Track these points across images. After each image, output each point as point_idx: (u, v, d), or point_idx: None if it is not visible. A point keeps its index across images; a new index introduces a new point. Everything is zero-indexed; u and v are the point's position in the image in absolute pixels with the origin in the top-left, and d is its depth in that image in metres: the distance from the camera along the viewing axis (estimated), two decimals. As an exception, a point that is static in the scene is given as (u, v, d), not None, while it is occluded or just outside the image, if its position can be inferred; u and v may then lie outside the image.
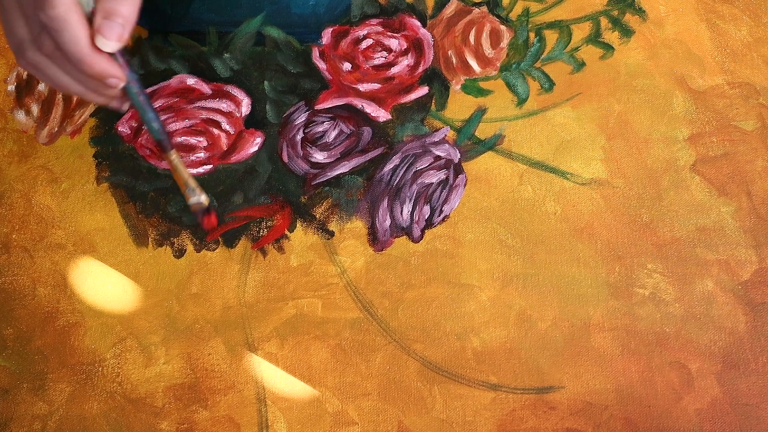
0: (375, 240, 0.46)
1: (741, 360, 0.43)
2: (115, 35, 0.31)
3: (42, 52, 0.32)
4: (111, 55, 0.32)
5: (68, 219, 0.47)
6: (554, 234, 0.46)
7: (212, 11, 0.51)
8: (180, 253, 0.46)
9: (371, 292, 0.45)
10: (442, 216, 0.46)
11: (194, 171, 0.48)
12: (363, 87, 0.50)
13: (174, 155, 0.38)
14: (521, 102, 0.50)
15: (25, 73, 0.51)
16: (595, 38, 0.52)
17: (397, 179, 0.47)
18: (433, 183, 0.47)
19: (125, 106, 0.36)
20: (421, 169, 0.48)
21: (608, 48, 0.51)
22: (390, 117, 0.49)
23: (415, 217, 0.46)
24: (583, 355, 0.43)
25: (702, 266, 0.45)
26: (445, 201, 0.47)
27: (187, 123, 0.49)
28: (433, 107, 0.49)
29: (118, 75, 0.33)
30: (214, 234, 0.46)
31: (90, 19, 0.31)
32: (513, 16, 0.53)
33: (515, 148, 0.48)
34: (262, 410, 0.42)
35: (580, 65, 0.51)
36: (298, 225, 0.46)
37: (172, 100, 0.49)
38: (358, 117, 0.49)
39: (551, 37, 0.52)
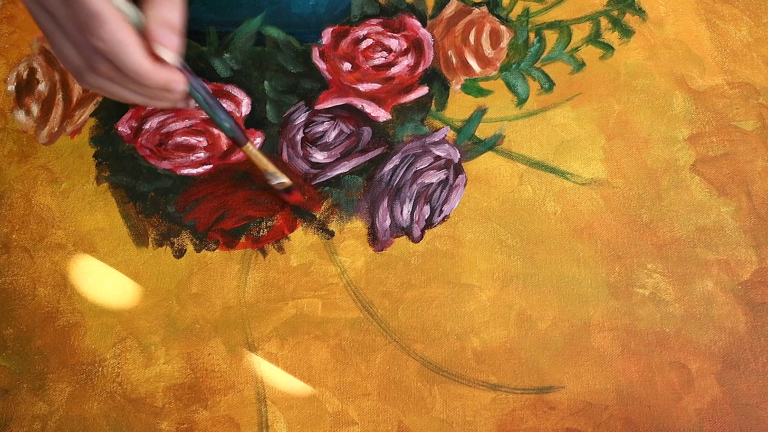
0: (375, 240, 0.46)
1: (741, 360, 0.43)
2: (174, 44, 0.31)
3: (101, 76, 0.32)
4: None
5: (68, 219, 0.47)
6: (554, 234, 0.46)
7: (212, 11, 0.51)
8: (180, 253, 0.46)
9: (371, 292, 0.45)
10: (442, 216, 0.46)
11: (194, 171, 0.48)
12: (363, 87, 0.50)
13: (251, 147, 0.40)
14: (521, 102, 0.50)
15: (25, 73, 0.51)
16: (595, 38, 0.52)
17: (397, 179, 0.47)
18: (433, 183, 0.47)
19: (192, 104, 0.36)
20: (421, 169, 0.48)
21: (608, 48, 0.51)
22: (390, 117, 0.49)
23: (415, 217, 0.46)
24: (583, 355, 0.43)
25: (702, 266, 0.45)
26: (445, 201, 0.47)
27: (187, 123, 0.49)
28: (433, 107, 0.49)
29: (181, 80, 0.33)
30: (302, 204, 0.46)
31: (139, 30, 0.31)
32: (513, 16, 0.53)
33: (515, 148, 0.48)
34: (262, 410, 0.42)
35: (580, 65, 0.51)
36: (298, 225, 0.46)
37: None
38: (358, 117, 0.49)
39: (551, 37, 0.52)
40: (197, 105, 0.36)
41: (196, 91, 0.35)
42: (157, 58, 0.32)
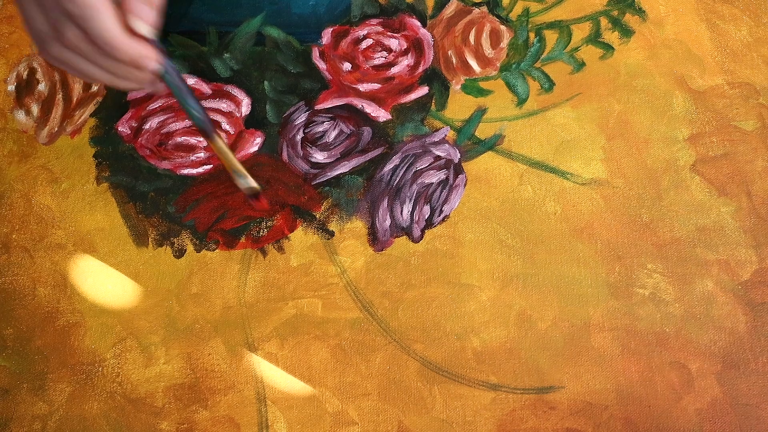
0: (375, 240, 0.46)
1: (741, 360, 0.43)
2: (151, 18, 0.30)
3: (65, 45, 0.30)
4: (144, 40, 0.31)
5: (68, 219, 0.47)
6: (554, 234, 0.46)
7: (212, 11, 0.51)
8: (180, 253, 0.46)
9: (371, 292, 0.45)
10: (442, 216, 0.46)
11: (194, 171, 0.48)
12: (363, 87, 0.50)
13: (219, 141, 0.38)
14: (521, 102, 0.50)
15: (26, 73, 0.51)
16: (595, 38, 0.52)
17: (397, 179, 0.47)
18: (433, 183, 0.47)
19: (160, 87, 0.34)
20: (421, 169, 0.48)
21: (608, 48, 0.51)
22: (390, 117, 0.49)
23: (415, 217, 0.46)
24: (583, 355, 0.43)
25: (702, 266, 0.45)
26: (445, 201, 0.47)
27: (187, 123, 0.49)
28: (433, 107, 0.49)
29: (153, 56, 0.31)
30: (265, 214, 0.45)
31: (116, 3, 0.30)
32: (513, 16, 0.53)
33: (515, 148, 0.48)
34: (262, 410, 0.42)
35: (580, 65, 0.51)
36: (298, 225, 0.46)
37: (172, 99, 0.49)
38: (358, 117, 0.49)
39: (551, 37, 0.52)
40: (166, 88, 0.34)
41: (168, 73, 0.33)
42: (131, 31, 0.30)
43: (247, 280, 0.45)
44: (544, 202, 0.47)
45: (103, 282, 0.45)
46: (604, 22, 0.52)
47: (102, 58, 0.31)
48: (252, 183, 0.40)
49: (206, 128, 0.37)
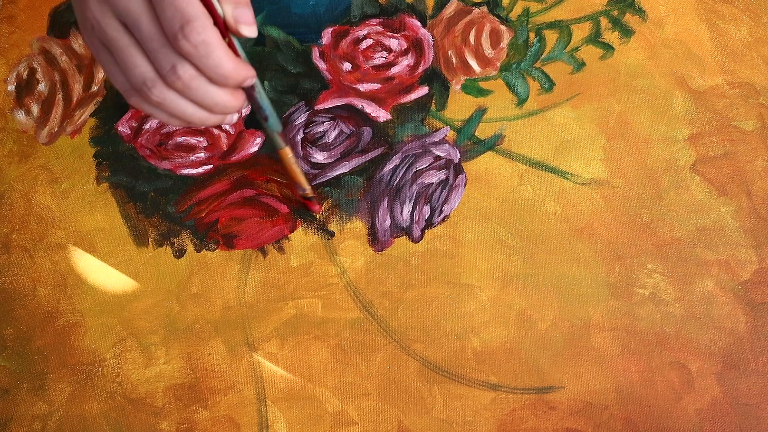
0: (375, 240, 0.46)
1: (741, 360, 0.43)
2: (251, 19, 0.30)
3: (173, 86, 0.30)
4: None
5: (68, 219, 0.47)
6: (554, 234, 0.46)
7: (212, 11, 0.51)
8: (180, 253, 0.46)
9: (371, 292, 0.45)
10: (442, 216, 0.46)
11: (194, 171, 0.48)
12: (363, 87, 0.50)
13: (289, 152, 0.40)
14: (521, 102, 0.50)
15: (26, 73, 0.51)
16: (595, 38, 0.52)
17: (397, 179, 0.47)
18: (433, 183, 0.47)
19: (236, 117, 0.35)
20: (421, 169, 0.48)
21: (608, 48, 0.51)
22: (390, 117, 0.49)
23: (415, 217, 0.46)
24: (583, 355, 0.43)
25: (702, 266, 0.45)
26: (445, 201, 0.47)
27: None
28: (433, 107, 0.49)
29: (253, 72, 0.32)
30: (316, 210, 0.47)
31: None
32: (513, 16, 0.53)
33: (515, 148, 0.48)
34: (262, 410, 0.42)
35: (580, 65, 0.51)
36: (298, 225, 0.46)
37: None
38: (358, 117, 0.49)
39: (551, 37, 0.52)
40: (251, 103, 0.35)
41: (257, 84, 0.35)
42: (234, 50, 0.31)
43: (247, 280, 0.45)
44: (544, 202, 0.47)
45: (103, 282, 0.45)
46: (604, 22, 0.52)
47: (209, 92, 0.31)
48: (309, 192, 0.44)
49: (282, 139, 0.39)
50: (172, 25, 0.28)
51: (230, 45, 0.31)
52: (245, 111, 0.49)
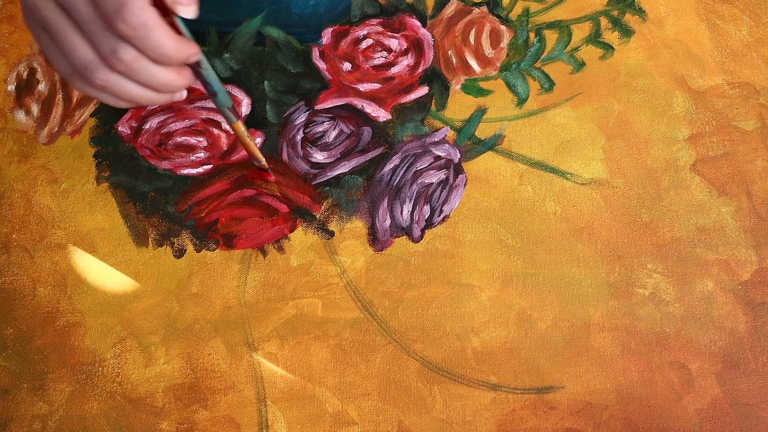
0: (375, 240, 0.46)
1: (741, 360, 0.43)
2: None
3: (116, 69, 0.30)
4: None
5: (68, 219, 0.47)
6: (554, 234, 0.46)
7: (212, 11, 0.51)
8: (180, 253, 0.46)
9: (371, 292, 0.45)
10: (442, 216, 0.46)
11: (194, 171, 0.48)
12: (363, 87, 0.50)
13: (242, 126, 0.41)
14: (521, 102, 0.50)
15: (26, 73, 0.51)
16: (595, 38, 0.52)
17: (397, 179, 0.47)
18: (433, 183, 0.47)
19: (185, 94, 0.35)
20: (421, 169, 0.48)
21: (608, 48, 0.51)
22: (390, 117, 0.49)
23: (415, 217, 0.46)
24: (583, 355, 0.43)
25: (702, 266, 0.45)
26: (445, 201, 0.47)
27: (187, 123, 0.49)
28: (433, 107, 0.49)
29: (196, 49, 0.31)
30: (270, 182, 0.47)
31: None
32: (513, 16, 0.53)
33: (515, 148, 0.48)
34: (262, 410, 0.42)
35: (580, 65, 0.51)
36: (298, 225, 0.46)
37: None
38: (358, 117, 0.49)
39: (551, 37, 0.52)
40: (198, 80, 0.35)
41: (202, 59, 0.34)
42: (174, 28, 0.31)
43: (247, 280, 0.45)
44: (544, 202, 0.47)
45: (103, 282, 0.45)
46: (604, 22, 0.52)
47: (154, 72, 0.31)
48: (264, 164, 0.45)
49: (233, 114, 0.39)
50: (109, 7, 0.28)
51: (172, 23, 0.30)
52: (245, 110, 0.49)
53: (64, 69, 0.31)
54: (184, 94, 0.35)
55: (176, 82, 0.32)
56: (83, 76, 0.31)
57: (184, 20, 0.32)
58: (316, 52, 0.51)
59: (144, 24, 0.28)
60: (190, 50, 0.31)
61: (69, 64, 0.31)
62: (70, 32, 0.30)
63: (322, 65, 0.50)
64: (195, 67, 0.34)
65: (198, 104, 0.49)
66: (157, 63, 0.30)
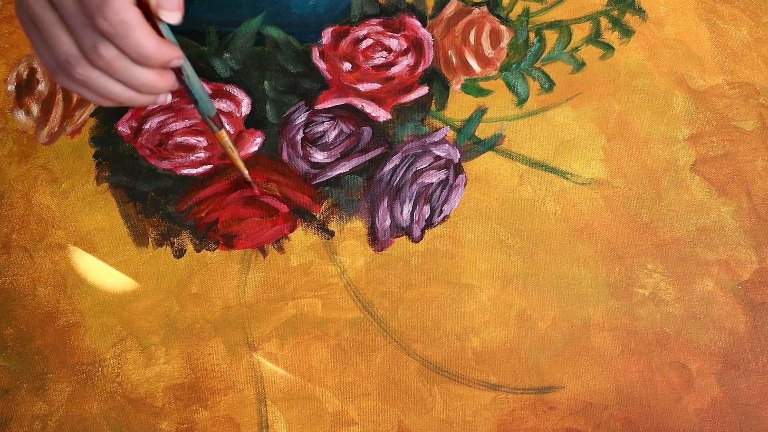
0: (375, 240, 0.46)
1: (741, 360, 0.43)
2: (174, 5, 0.30)
3: (96, 65, 0.30)
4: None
5: (68, 219, 0.47)
6: (554, 234, 0.46)
7: (212, 11, 0.51)
8: (180, 253, 0.46)
9: (371, 292, 0.45)
10: (442, 216, 0.46)
11: (194, 171, 0.48)
12: (363, 87, 0.50)
13: (225, 135, 0.40)
14: (521, 102, 0.50)
15: (25, 73, 0.51)
16: (595, 38, 0.52)
17: (397, 179, 0.47)
18: (433, 183, 0.47)
19: (169, 98, 0.35)
20: (421, 169, 0.48)
21: (608, 48, 0.51)
22: (390, 117, 0.49)
23: (415, 217, 0.46)
24: (583, 355, 0.43)
25: (702, 266, 0.45)
26: (445, 201, 0.47)
27: (187, 123, 0.49)
28: (433, 107, 0.49)
29: (179, 54, 0.31)
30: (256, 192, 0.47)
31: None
32: (513, 16, 0.53)
33: (515, 148, 0.48)
34: (262, 410, 0.42)
35: (580, 65, 0.51)
36: (298, 225, 0.46)
37: (172, 99, 0.49)
38: (358, 117, 0.49)
39: (551, 37, 0.52)
40: (181, 86, 0.35)
41: (186, 65, 0.34)
42: (160, 34, 0.31)
43: (247, 280, 0.45)
44: (544, 202, 0.47)
45: (103, 282, 0.45)
46: (604, 22, 0.52)
47: (134, 72, 0.31)
48: (247, 176, 0.45)
49: (215, 123, 0.39)
50: (92, 4, 0.28)
51: (156, 27, 0.30)
52: (245, 110, 0.49)
53: (48, 63, 0.31)
54: (169, 97, 0.34)
55: (158, 84, 0.32)
56: (65, 71, 0.31)
57: (172, 26, 0.32)
58: (316, 52, 0.51)
59: (125, 22, 0.28)
60: (172, 54, 0.31)
61: (53, 57, 0.31)
62: (55, 26, 0.30)
63: (322, 65, 0.50)
64: (177, 74, 0.34)
65: (198, 104, 0.49)
66: (137, 63, 0.30)
